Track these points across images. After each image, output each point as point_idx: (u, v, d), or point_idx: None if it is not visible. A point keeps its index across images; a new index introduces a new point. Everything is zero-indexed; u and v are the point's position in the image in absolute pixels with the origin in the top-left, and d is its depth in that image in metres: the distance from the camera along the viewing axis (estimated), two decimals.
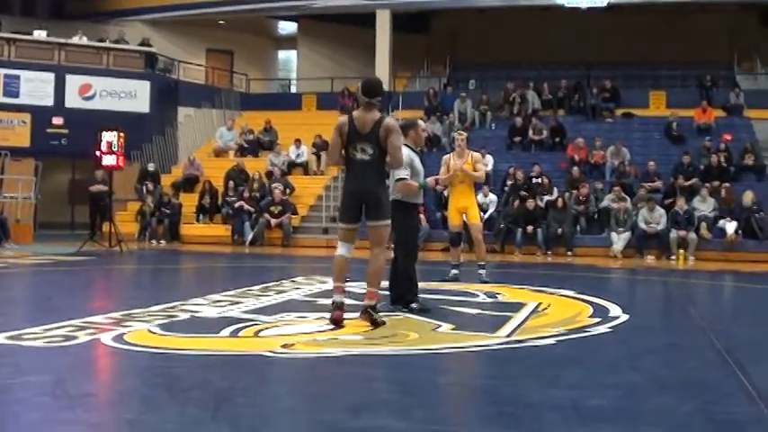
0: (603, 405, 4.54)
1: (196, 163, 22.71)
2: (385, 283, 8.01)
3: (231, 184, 20.69)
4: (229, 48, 30.34)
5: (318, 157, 22.23)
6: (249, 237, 19.37)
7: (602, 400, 4.63)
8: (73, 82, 23.02)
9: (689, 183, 19.12)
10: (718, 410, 4.49)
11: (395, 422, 4.12)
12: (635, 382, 5.23)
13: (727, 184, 18.94)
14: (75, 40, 24.17)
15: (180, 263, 15.73)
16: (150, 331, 6.55)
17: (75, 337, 6.12)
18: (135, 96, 23.69)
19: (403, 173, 7.77)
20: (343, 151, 7.06)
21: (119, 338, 6.15)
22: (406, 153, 7.88)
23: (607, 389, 4.95)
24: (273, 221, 19.44)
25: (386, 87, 24.40)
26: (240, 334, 6.53)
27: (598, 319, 7.71)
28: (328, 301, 7.21)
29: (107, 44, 24.72)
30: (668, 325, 8.52)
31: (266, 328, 6.82)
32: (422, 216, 15.40)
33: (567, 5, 25.49)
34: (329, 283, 7.36)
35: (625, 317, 7.96)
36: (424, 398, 4.65)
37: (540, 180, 19.56)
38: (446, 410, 4.56)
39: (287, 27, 32.12)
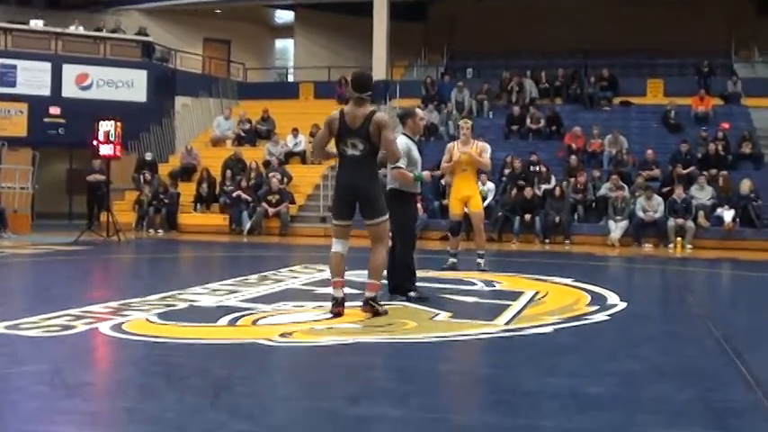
0: (601, 393, 4.54)
1: (193, 152, 22.68)
2: (383, 273, 8.03)
3: (229, 173, 20.67)
4: (226, 37, 30.28)
5: None
6: (247, 226, 19.36)
7: (600, 388, 4.63)
8: (70, 71, 22.96)
9: (686, 171, 19.11)
10: (717, 398, 4.50)
11: (393, 410, 4.13)
12: (633, 370, 5.24)
13: (724, 173, 18.94)
14: (72, 29, 24.11)
15: (178, 252, 15.72)
16: (148, 320, 6.55)
17: (73, 327, 6.11)
18: (132, 86, 23.64)
19: (399, 162, 7.74)
20: (334, 147, 7.04)
21: (117, 328, 6.15)
22: (403, 142, 7.87)
23: (605, 377, 4.96)
24: (271, 210, 19.43)
25: (383, 76, 24.68)
26: (238, 323, 6.53)
27: (596, 308, 7.72)
28: (326, 290, 7.23)
29: (104, 34, 24.67)
30: (666, 313, 8.53)
31: (264, 317, 6.82)
32: (419, 205, 15.40)
33: None
34: (327, 272, 7.36)
35: (623, 305, 7.97)
36: (422, 386, 4.66)
37: (537, 169, 19.56)
38: (444, 398, 4.56)
39: (284, 16, 32.09)
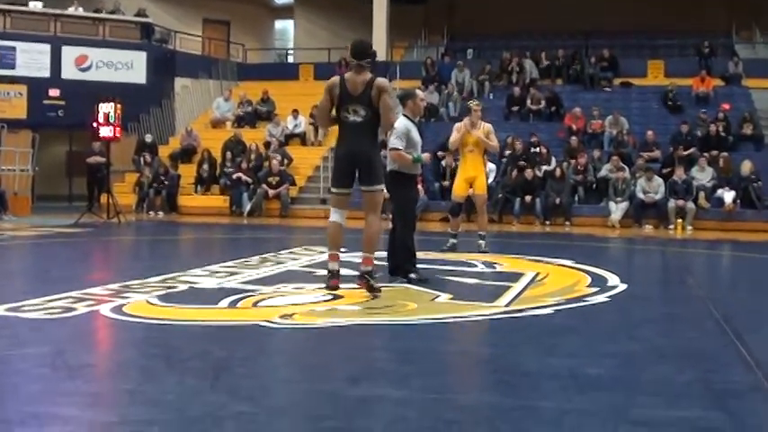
0: (601, 374, 4.55)
1: (193, 134, 22.64)
2: (383, 254, 8.05)
3: (229, 155, 20.63)
4: (226, 18, 30.18)
5: (316, 128, 22.15)
6: (247, 208, 19.37)
7: (599, 369, 4.64)
8: (69, 53, 22.90)
9: (687, 152, 19.07)
10: (717, 379, 4.50)
11: (393, 391, 4.13)
12: (633, 351, 5.24)
13: (725, 154, 18.91)
14: (71, 11, 24.03)
15: (178, 234, 15.73)
16: (149, 302, 6.56)
17: (73, 309, 6.12)
18: (131, 67, 23.58)
19: (397, 143, 7.73)
20: (333, 114, 7.04)
21: (117, 310, 6.16)
22: (403, 124, 7.86)
23: (605, 358, 4.96)
24: (271, 192, 19.43)
25: (383, 57, 24.57)
26: (239, 305, 6.54)
27: (596, 289, 7.73)
28: (326, 272, 7.24)
29: (103, 15, 24.57)
30: (666, 294, 8.55)
31: (265, 299, 6.83)
32: (420, 187, 15.39)
33: None
34: (327, 254, 7.37)
35: (623, 286, 7.98)
36: (423, 367, 4.66)
37: (538, 150, 19.53)
38: (444, 379, 4.56)
39: None
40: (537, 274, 8.71)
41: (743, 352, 5.13)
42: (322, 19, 29.94)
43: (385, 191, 7.31)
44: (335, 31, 29.13)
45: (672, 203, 17.34)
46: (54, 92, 22.45)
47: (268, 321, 5.81)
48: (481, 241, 11.07)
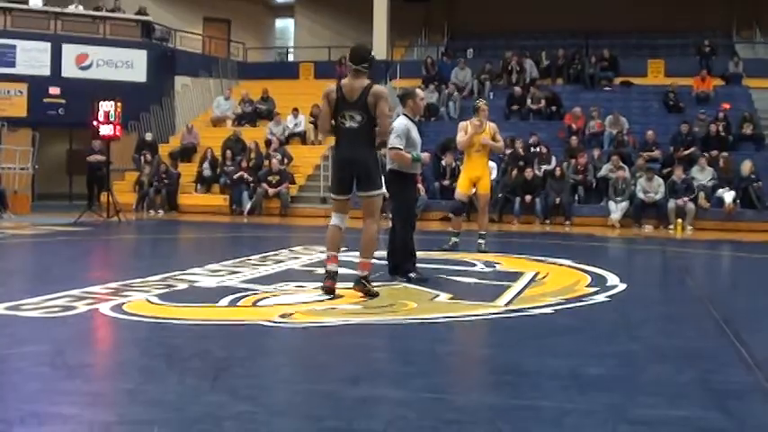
0: (601, 374, 4.55)
1: (194, 131, 22.63)
2: (383, 254, 8.04)
3: (228, 153, 20.63)
4: (226, 16, 30.14)
5: (316, 127, 22.12)
6: (247, 206, 19.36)
7: (599, 369, 4.64)
8: (69, 51, 22.88)
9: (687, 152, 19.06)
10: (716, 380, 4.51)
11: (393, 391, 4.13)
12: (633, 351, 5.25)
13: (725, 154, 18.88)
14: (72, 9, 24.00)
15: (178, 233, 15.73)
16: (149, 301, 6.56)
17: (73, 308, 6.12)
18: (132, 66, 23.57)
19: (397, 142, 7.73)
20: (332, 120, 7.05)
21: (117, 308, 6.16)
22: (403, 123, 7.86)
23: (605, 358, 4.96)
24: (271, 191, 19.42)
25: (384, 56, 24.55)
26: (239, 303, 6.54)
27: (596, 289, 7.73)
28: (324, 272, 7.25)
29: (103, 13, 24.54)
30: (666, 294, 8.54)
31: (265, 298, 6.83)
32: (420, 186, 15.40)
33: None
34: (325, 256, 7.38)
35: (623, 286, 7.98)
36: (422, 367, 4.66)
37: (538, 149, 19.52)
38: (444, 379, 4.57)
39: None
40: (537, 274, 8.71)
41: (742, 352, 5.13)
42: (322, 18, 29.92)
43: (384, 190, 7.31)
44: (336, 30, 29.11)
45: (672, 203, 17.33)
46: (54, 90, 22.43)
47: (268, 320, 5.82)
48: (481, 241, 11.07)
